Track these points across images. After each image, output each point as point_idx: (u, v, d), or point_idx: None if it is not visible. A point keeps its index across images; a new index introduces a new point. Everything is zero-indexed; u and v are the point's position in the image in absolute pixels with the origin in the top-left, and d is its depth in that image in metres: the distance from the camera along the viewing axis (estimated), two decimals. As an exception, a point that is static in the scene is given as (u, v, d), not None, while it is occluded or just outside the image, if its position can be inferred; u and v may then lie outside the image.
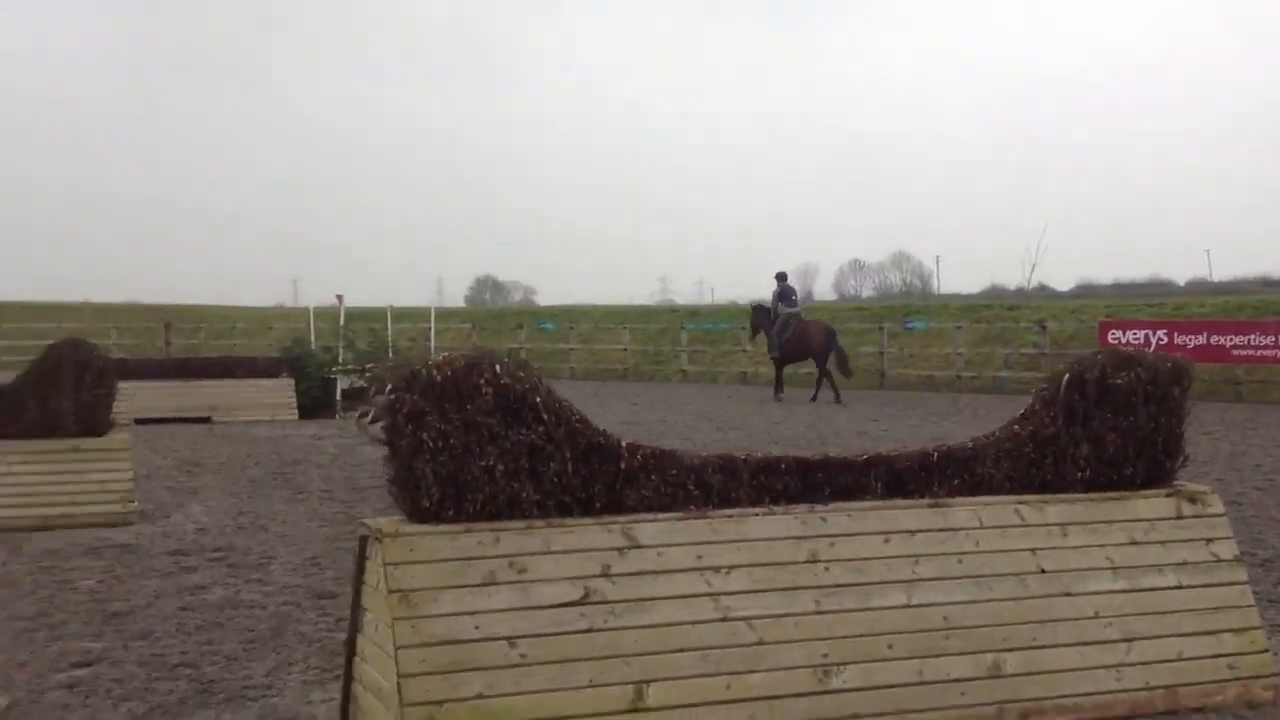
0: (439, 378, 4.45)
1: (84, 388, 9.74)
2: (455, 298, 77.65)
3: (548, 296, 77.59)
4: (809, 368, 24.46)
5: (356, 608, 4.76)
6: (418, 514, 4.46)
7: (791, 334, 23.30)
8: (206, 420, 19.78)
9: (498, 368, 4.55)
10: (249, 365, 21.33)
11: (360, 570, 4.70)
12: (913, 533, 4.94)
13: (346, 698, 4.85)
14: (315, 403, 20.98)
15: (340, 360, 21.57)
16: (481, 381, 4.49)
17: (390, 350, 21.92)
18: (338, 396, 21.14)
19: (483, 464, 4.47)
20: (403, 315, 30.18)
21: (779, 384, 24.18)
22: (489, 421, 4.48)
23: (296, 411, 20.51)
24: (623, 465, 4.69)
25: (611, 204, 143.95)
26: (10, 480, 9.50)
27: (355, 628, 4.77)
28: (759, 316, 24.38)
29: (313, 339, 23.58)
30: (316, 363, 21.50)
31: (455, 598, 4.31)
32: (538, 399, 4.58)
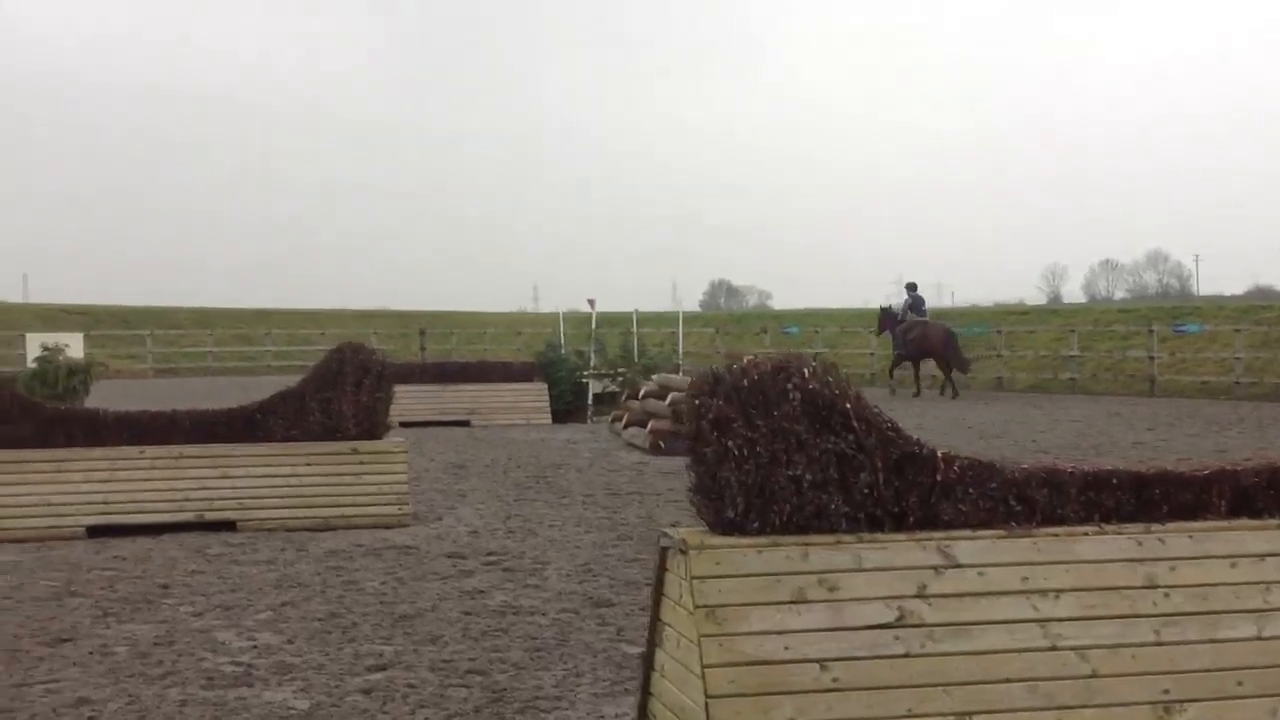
0: (745, 382, 4.23)
1: (363, 391, 9.99)
2: (690, 302, 78.09)
3: (782, 300, 77.18)
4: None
5: (655, 622, 4.57)
6: (721, 525, 4.24)
7: (916, 334, 25.73)
8: (465, 424, 20.26)
9: (805, 372, 4.30)
10: (504, 370, 21.76)
11: (660, 582, 4.51)
12: (1263, 557, 4.45)
13: (643, 714, 4.69)
14: (568, 407, 21.24)
15: (592, 365, 21.75)
16: (789, 386, 4.25)
17: (638, 355, 22.01)
18: (590, 401, 21.34)
19: (790, 473, 4.22)
20: (641, 320, 30.29)
21: (894, 377, 27.05)
22: (796, 429, 4.23)
23: (550, 415, 20.80)
24: (939, 477, 4.36)
25: (843, 207, 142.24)
26: (294, 481, 9.82)
27: (653, 642, 4.59)
28: (886, 318, 27.27)
29: (562, 343, 23.92)
30: (569, 367, 21.74)
31: (764, 615, 4.07)
32: (847, 405, 4.30)
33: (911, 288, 27.25)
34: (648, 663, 4.64)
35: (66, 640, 6.18)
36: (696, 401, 4.29)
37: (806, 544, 4.18)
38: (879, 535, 4.27)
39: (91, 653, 5.94)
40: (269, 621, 6.59)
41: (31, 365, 20.19)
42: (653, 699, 4.61)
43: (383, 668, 5.66)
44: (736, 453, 4.20)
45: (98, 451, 9.58)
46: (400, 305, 57.78)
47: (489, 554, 8.59)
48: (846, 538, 4.22)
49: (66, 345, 22.76)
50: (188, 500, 9.63)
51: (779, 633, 4.06)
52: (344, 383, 9.97)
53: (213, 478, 9.70)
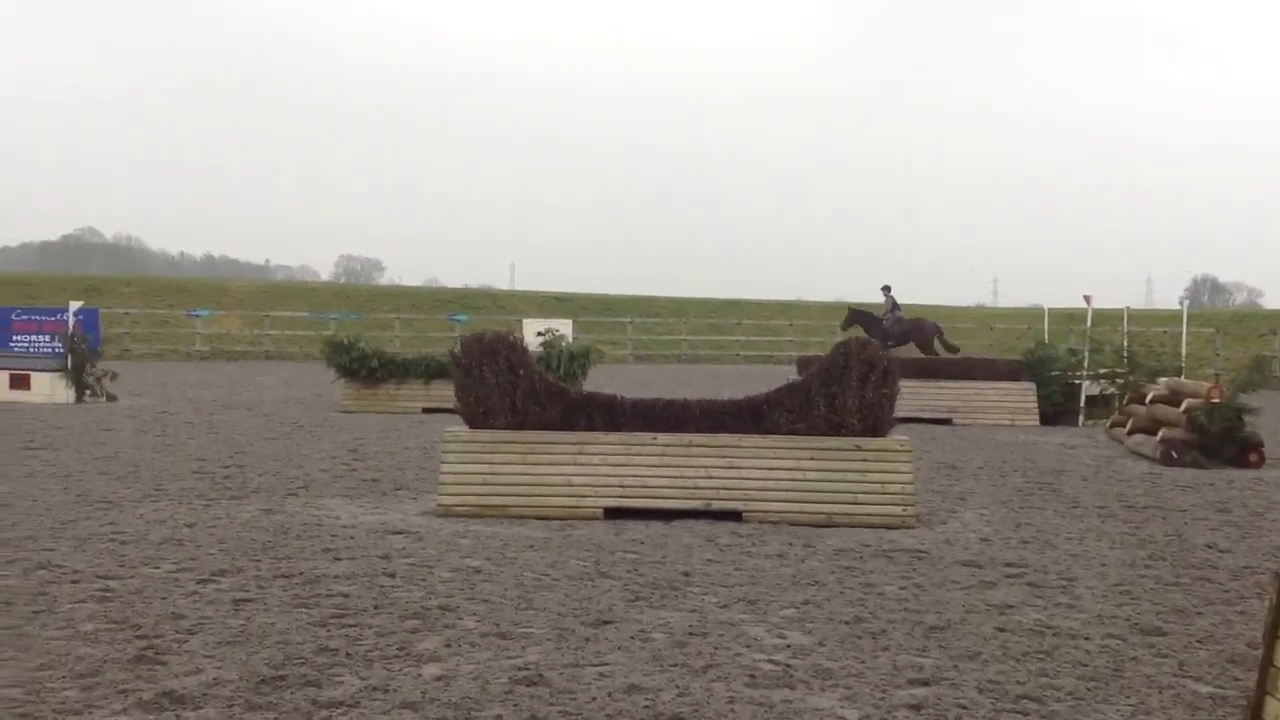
0: None
1: (868, 387, 9.78)
2: (1165, 298, 72.65)
3: (1276, 299, 70.09)
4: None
5: (1269, 667, 4.01)
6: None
7: (910, 325, 31.01)
8: (946, 422, 19.70)
9: None
10: (989, 367, 20.95)
11: (1277, 621, 3.94)
12: None
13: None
14: (1056, 409, 20.15)
15: (1086, 365, 20.49)
16: None
17: (1125, 355, 20.47)
18: (1081, 403, 20.14)
19: None
20: (1106, 318, 28.12)
21: None
22: None
23: (1037, 417, 19.83)
24: None
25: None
26: (798, 475, 9.76)
27: (1266, 687, 4.03)
28: (857, 316, 32.31)
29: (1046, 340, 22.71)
30: (1060, 366, 20.61)
31: None
32: None
33: (887, 289, 32.84)
34: (1255, 710, 4.08)
35: (607, 623, 6.35)
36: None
37: None
38: None
39: (632, 637, 6.05)
40: (795, 619, 6.49)
41: (537, 350, 21.59)
42: (1264, 754, 4.04)
43: (925, 682, 5.37)
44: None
45: (615, 436, 9.94)
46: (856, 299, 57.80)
47: (1008, 565, 8.12)
48: None
49: (560, 332, 24.08)
50: (696, 488, 9.80)
51: None
52: (849, 378, 9.80)
53: (720, 467, 9.82)
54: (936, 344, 30.20)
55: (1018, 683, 5.39)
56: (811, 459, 9.80)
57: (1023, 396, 20.07)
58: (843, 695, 5.17)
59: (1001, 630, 6.33)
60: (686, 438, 9.93)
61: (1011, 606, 6.90)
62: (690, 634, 6.14)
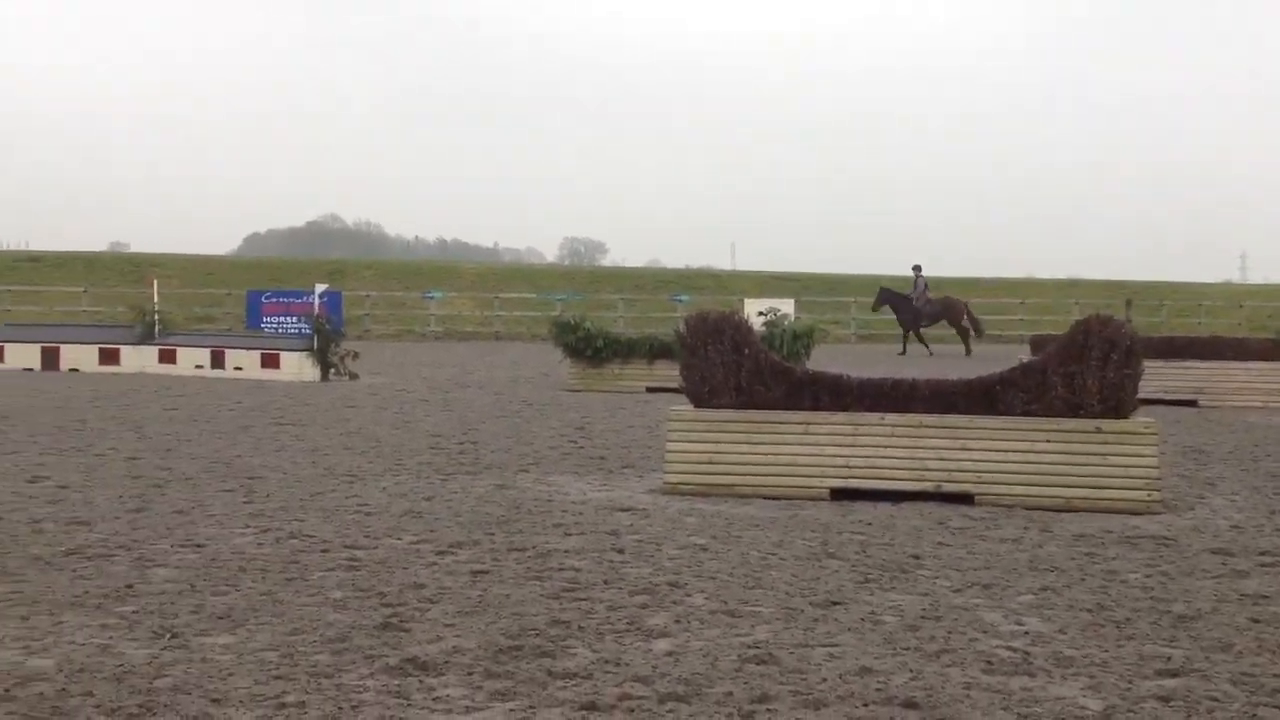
0: None
1: (1110, 367, 9.37)
2: None
3: None
4: None
5: None
6: None
7: (940, 303, 34.02)
8: (1191, 403, 18.75)
9: None
10: (1238, 347, 19.84)
11: None
12: None
13: None
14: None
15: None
16: None
17: None
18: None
19: None
20: None
21: (920, 342, 35.03)
22: None
23: (1292, 400, 18.67)
24: None
25: None
26: (1034, 458, 9.44)
27: None
28: (887, 296, 35.11)
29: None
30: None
31: None
32: None
33: (918, 269, 35.25)
34: None
35: (836, 604, 6.28)
36: None
37: None
38: None
39: (863, 619, 5.97)
40: (1033, 606, 6.28)
41: (760, 329, 21.53)
42: None
43: (1174, 673, 5.12)
44: None
45: (841, 416, 9.83)
46: (1096, 274, 55.41)
47: (1262, 553, 7.67)
48: None
49: (782, 311, 23.90)
50: (926, 470, 9.60)
51: None
52: (1089, 357, 9.42)
53: (951, 449, 9.59)
54: (965, 320, 33.10)
55: (1275, 675, 5.09)
56: (1048, 441, 9.47)
57: (1276, 377, 18.93)
58: (1085, 684, 4.97)
59: (1256, 621, 5.98)
60: (916, 418, 9.73)
61: (1266, 597, 6.51)
62: (923, 617, 6.02)
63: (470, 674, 5.02)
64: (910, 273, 36.25)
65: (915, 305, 34.37)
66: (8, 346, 25.88)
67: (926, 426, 9.69)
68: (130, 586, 6.48)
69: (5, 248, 67.72)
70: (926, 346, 35.18)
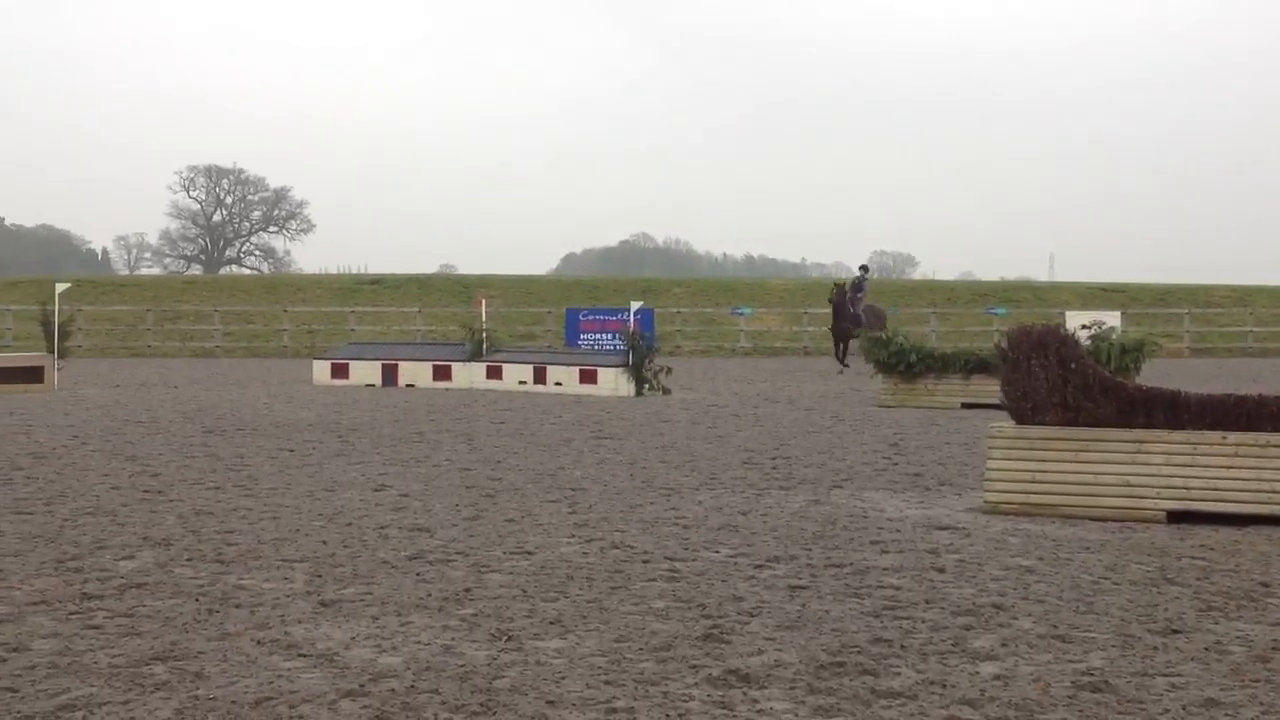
0: None
1: None
2: None
3: None
4: None
5: None
6: None
7: (869, 311, 32.14)
8: None
9: None
10: None
11: None
12: None
13: None
14: None
15: None
16: None
17: None
18: None
19: None
20: None
21: (842, 353, 32.12)
22: None
23: None
24: None
25: None
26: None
27: None
28: (839, 295, 31.82)
29: None
30: None
31: None
32: None
33: (864, 269, 35.01)
34: None
35: (1176, 631, 5.95)
36: None
37: None
38: None
39: (1206, 649, 5.63)
40: (1404, 643, 5.75)
41: (1085, 343, 20.62)
42: None
43: None
44: None
45: (1178, 435, 9.28)
46: None
47: None
48: None
49: (1107, 324, 22.83)
50: (1275, 492, 8.94)
51: None
52: None
53: (1302, 470, 8.90)
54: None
55: None
56: None
57: None
58: None
59: None
60: (1263, 437, 9.08)
61: None
62: (1273, 649, 5.61)
63: (793, 688, 5.04)
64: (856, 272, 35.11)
65: (854, 312, 31.89)
66: (352, 364, 27.85)
67: (1274, 446, 9.03)
68: (468, 590, 6.86)
69: (349, 271, 72.89)
70: (844, 361, 32.22)
